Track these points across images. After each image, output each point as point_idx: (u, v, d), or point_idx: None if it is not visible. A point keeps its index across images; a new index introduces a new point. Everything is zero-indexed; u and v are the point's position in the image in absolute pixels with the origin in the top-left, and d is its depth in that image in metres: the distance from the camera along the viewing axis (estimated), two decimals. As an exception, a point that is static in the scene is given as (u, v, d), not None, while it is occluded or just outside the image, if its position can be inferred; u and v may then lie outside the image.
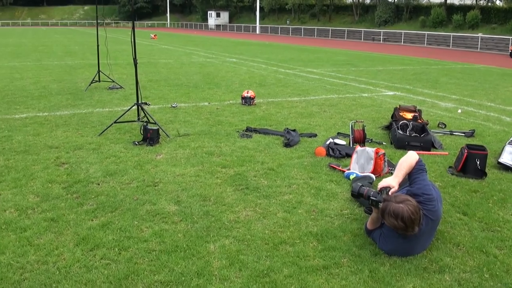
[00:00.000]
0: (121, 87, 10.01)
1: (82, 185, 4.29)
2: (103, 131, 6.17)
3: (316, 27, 50.70)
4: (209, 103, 8.46)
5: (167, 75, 12.35)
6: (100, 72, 10.23)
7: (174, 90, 9.91)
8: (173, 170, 4.73)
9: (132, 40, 6.13)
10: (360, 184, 3.27)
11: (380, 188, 3.12)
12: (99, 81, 10.21)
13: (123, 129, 6.33)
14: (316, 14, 59.11)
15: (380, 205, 2.95)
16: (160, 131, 5.87)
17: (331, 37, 45.83)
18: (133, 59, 6.16)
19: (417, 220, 2.82)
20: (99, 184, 4.32)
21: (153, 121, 6.13)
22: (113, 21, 77.35)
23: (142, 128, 5.72)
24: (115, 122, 6.27)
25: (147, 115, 6.22)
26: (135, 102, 6.36)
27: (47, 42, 28.14)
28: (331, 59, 19.70)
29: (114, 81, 10.20)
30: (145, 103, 8.18)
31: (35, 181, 4.37)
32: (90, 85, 9.99)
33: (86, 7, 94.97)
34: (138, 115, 6.35)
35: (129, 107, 6.76)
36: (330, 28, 48.31)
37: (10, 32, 46.73)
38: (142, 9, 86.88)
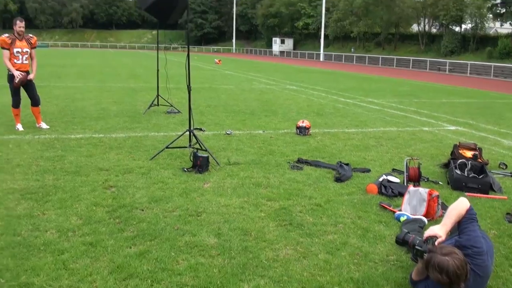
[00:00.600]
0: (178, 112, 10.26)
1: (126, 210, 4.36)
2: (155, 156, 6.30)
3: (380, 56, 50.01)
4: (263, 131, 8.47)
5: (226, 101, 12.55)
6: (159, 96, 10.55)
7: (231, 116, 10.02)
8: (218, 200, 4.71)
9: (187, 65, 6.28)
10: (406, 231, 3.08)
11: (426, 237, 2.91)
12: (158, 105, 10.53)
13: (175, 155, 6.44)
14: (381, 43, 58.45)
15: (425, 255, 2.75)
16: (211, 158, 5.90)
17: (396, 66, 44.98)
18: (187, 85, 6.30)
19: (463, 276, 2.59)
20: (143, 210, 4.37)
21: (204, 148, 6.18)
22: (180, 46, 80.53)
23: (192, 154, 5.78)
24: (166, 148, 6.40)
25: (199, 141, 6.30)
26: (187, 128, 6.45)
27: (113, 64, 29.69)
28: (394, 89, 19.25)
29: (172, 106, 10.48)
30: (200, 129, 8.33)
31: (80, 203, 4.49)
32: (148, 108, 10.33)
33: (154, 32, 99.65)
34: (190, 141, 6.43)
35: (181, 133, 6.86)
36: (395, 57, 47.46)
37: (79, 54, 49.79)
38: (209, 35, 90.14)
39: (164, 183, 5.19)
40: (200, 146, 6.28)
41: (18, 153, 6.35)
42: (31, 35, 7.96)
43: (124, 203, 4.53)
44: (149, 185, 5.11)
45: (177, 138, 6.68)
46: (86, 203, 4.49)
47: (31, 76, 7.85)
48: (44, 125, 8.16)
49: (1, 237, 3.68)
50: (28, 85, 7.87)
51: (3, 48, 7.58)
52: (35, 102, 8.01)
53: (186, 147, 6.36)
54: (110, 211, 4.31)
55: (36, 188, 4.91)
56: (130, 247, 3.56)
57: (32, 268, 3.15)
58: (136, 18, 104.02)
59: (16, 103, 7.88)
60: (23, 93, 7.92)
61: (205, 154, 5.79)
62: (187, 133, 6.57)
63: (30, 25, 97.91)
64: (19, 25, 7.58)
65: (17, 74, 7.56)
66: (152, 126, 8.67)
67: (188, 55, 6.32)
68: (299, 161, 6.27)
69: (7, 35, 7.67)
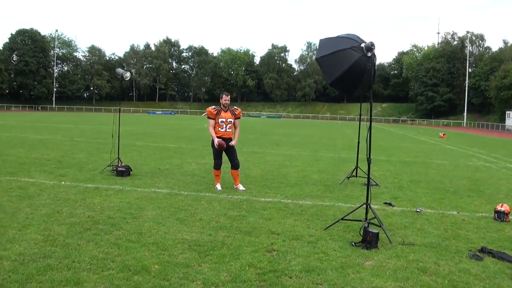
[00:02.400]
0: (376, 185, 10.06)
1: (275, 275, 4.43)
2: (329, 226, 6.28)
3: None
4: (458, 212, 7.61)
5: (432, 177, 11.77)
6: (358, 168, 10.56)
7: (430, 193, 9.33)
8: (372, 280, 4.40)
9: (368, 138, 6.19)
10: None
11: None
12: (356, 176, 10.53)
13: (351, 227, 6.31)
14: None
15: None
16: (384, 235, 5.59)
17: None
18: (367, 158, 6.19)
19: None
20: (290, 278, 4.38)
21: (379, 224, 5.90)
22: (408, 119, 79.61)
23: (362, 229, 5.58)
24: (341, 219, 6.33)
25: (376, 216, 6.05)
26: (364, 201, 6.28)
27: (333, 135, 30.94)
28: None
29: (370, 178, 10.33)
30: (390, 204, 7.99)
31: (237, 261, 4.76)
32: (347, 179, 10.41)
33: (384, 105, 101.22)
34: (366, 215, 6.22)
35: (358, 206, 6.71)
36: None
37: (306, 124, 53.39)
38: (439, 108, 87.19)
39: (325, 254, 5.11)
40: (379, 221, 6.01)
41: (206, 209, 7.13)
42: (236, 107, 9.08)
43: (277, 268, 4.62)
44: (310, 254, 5.10)
45: (353, 211, 6.55)
46: (242, 263, 4.73)
47: (233, 143, 8.86)
48: (241, 187, 8.98)
49: (152, 279, 4.15)
50: (229, 150, 8.87)
51: (209, 118, 8.80)
52: (234, 165, 8.93)
53: (361, 220, 6.15)
54: (260, 273, 4.45)
55: (205, 241, 5.41)
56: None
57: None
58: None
59: (216, 165, 8.94)
60: (224, 157, 8.93)
61: (375, 230, 5.51)
62: (373, 206, 6.36)
63: (266, 98, 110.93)
64: (225, 98, 8.78)
65: (216, 141, 8.62)
66: (342, 196, 8.68)
67: (370, 128, 6.24)
68: (482, 250, 5.42)
69: (213, 107, 8.93)
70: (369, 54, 5.91)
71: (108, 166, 10.72)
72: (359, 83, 6.13)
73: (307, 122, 69.53)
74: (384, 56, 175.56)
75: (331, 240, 5.69)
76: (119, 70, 10.75)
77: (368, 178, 6.29)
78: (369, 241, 5.43)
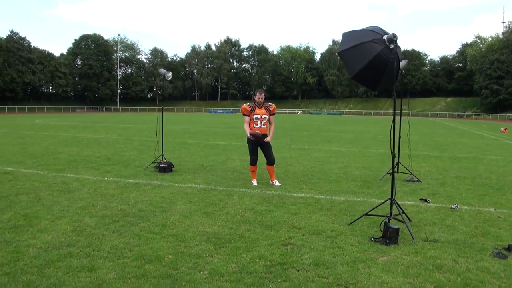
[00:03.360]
0: (418, 181, 9.82)
1: (283, 268, 4.51)
2: (353, 221, 6.25)
3: None
4: (495, 209, 7.29)
5: (480, 173, 11.26)
6: (400, 164, 10.36)
7: (472, 190, 8.97)
8: (380, 275, 4.36)
9: (392, 133, 6.09)
10: None
11: None
12: (397, 172, 10.32)
13: (377, 223, 6.21)
14: None
15: None
16: (407, 231, 5.50)
17: None
18: (391, 153, 6.10)
19: None
20: (298, 271, 4.43)
21: (402, 220, 5.81)
22: (473, 113, 76.22)
23: (383, 224, 5.52)
24: (366, 214, 6.27)
25: (400, 212, 5.96)
26: (389, 197, 6.19)
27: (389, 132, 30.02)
28: None
29: (412, 174, 10.12)
30: (425, 200, 7.81)
31: (248, 254, 4.88)
32: (387, 174, 10.24)
33: (448, 99, 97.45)
34: (391, 211, 6.12)
35: (382, 201, 6.62)
36: None
37: (366, 121, 52.35)
38: (505, 101, 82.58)
39: (341, 249, 5.11)
40: (403, 217, 5.92)
41: (235, 204, 7.29)
42: (270, 103, 9.15)
43: (287, 261, 4.69)
44: (325, 249, 5.12)
45: (378, 206, 6.49)
46: (253, 255, 4.84)
47: (268, 139, 8.95)
48: (276, 183, 9.08)
49: (162, 268, 4.37)
50: (264, 146, 8.98)
51: (244, 115, 8.96)
52: (270, 161, 9.04)
53: (385, 215, 6.06)
54: (268, 266, 4.54)
55: (224, 234, 5.58)
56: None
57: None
58: (430, 86, 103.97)
59: (252, 161, 9.08)
60: (261, 154, 9.08)
61: (396, 226, 5.43)
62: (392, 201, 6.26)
63: (327, 95, 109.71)
64: (259, 96, 8.91)
65: (249, 132, 8.78)
66: (379, 192, 8.55)
67: (393, 122, 6.13)
68: (509, 248, 5.18)
69: (248, 103, 9.05)
70: (392, 46, 5.81)
71: (152, 163, 11.15)
72: (382, 76, 6.03)
73: (368, 118, 68.24)
74: (447, 48, 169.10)
75: (352, 235, 5.66)
76: (162, 70, 11.16)
77: (392, 172, 6.18)
78: (389, 236, 5.36)
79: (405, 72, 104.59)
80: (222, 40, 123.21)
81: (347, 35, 6.16)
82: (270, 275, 4.30)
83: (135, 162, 12.20)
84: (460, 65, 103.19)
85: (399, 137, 10.50)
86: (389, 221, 5.53)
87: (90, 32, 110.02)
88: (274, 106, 9.22)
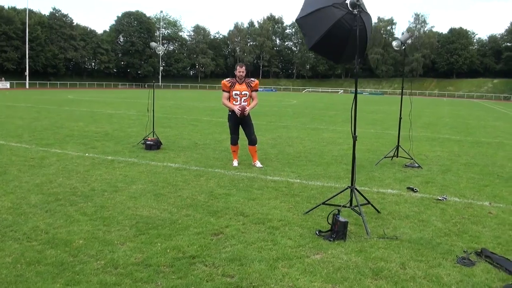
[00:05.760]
0: (419, 167, 9.00)
1: (191, 262, 4.00)
2: (310, 210, 5.64)
3: None
4: (490, 203, 6.43)
5: (495, 161, 10.16)
6: (399, 147, 9.55)
7: (475, 179, 8.06)
8: (296, 277, 3.75)
9: (353, 113, 5.38)
10: None
11: None
12: (397, 156, 9.53)
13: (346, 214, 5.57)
14: None
15: None
16: (357, 226, 4.84)
17: None
18: (352, 135, 5.40)
19: None
20: (205, 266, 3.90)
21: (359, 212, 5.14)
22: (510, 95, 72.37)
23: (331, 216, 4.87)
24: (323, 204, 5.62)
25: (358, 203, 5.27)
26: (348, 185, 5.51)
27: (421, 113, 28.62)
28: None
29: (412, 159, 9.30)
30: (412, 189, 7.05)
31: (166, 243, 4.42)
32: (384, 158, 9.48)
33: (495, 81, 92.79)
34: (351, 200, 5.45)
35: (340, 191, 5.95)
36: None
37: (405, 101, 50.25)
38: None
39: (273, 243, 4.52)
40: (360, 208, 5.24)
41: (196, 186, 6.81)
42: (253, 79, 8.47)
43: (201, 254, 4.17)
44: (255, 242, 4.54)
45: (336, 195, 5.83)
46: (169, 244, 4.36)
47: (247, 108, 8.29)
48: (258, 164, 8.50)
49: (62, 253, 3.98)
50: (246, 124, 8.39)
51: (223, 90, 8.36)
52: (251, 141, 8.45)
53: (342, 206, 5.39)
54: (176, 258, 4.05)
55: (156, 219, 5.13)
56: None
57: None
58: (477, 66, 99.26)
59: (233, 140, 8.52)
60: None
61: (345, 219, 4.76)
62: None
63: (372, 74, 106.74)
64: (239, 70, 8.25)
65: (237, 108, 8.17)
66: (364, 179, 7.81)
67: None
68: (481, 253, 4.40)
69: (228, 79, 8.44)
70: (355, 12, 5.07)
71: (143, 139, 10.78)
72: (344, 47, 5.31)
73: (408, 99, 65.67)
74: (495, 27, 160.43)
75: (299, 227, 5.05)
76: (153, 44, 10.70)
77: (354, 157, 5.48)
78: (336, 230, 4.72)
79: (440, 50, 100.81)
80: (265, 17, 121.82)
81: (307, 1, 5.44)
82: (169, 270, 3.79)
83: (129, 138, 11.89)
84: (509, 44, 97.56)
85: (400, 118, 9.67)
86: (338, 213, 4.86)
87: (133, 9, 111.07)
88: (256, 81, 8.55)
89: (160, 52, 10.82)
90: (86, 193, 6.17)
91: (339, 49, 5.35)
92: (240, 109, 8.18)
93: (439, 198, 6.57)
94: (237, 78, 8.35)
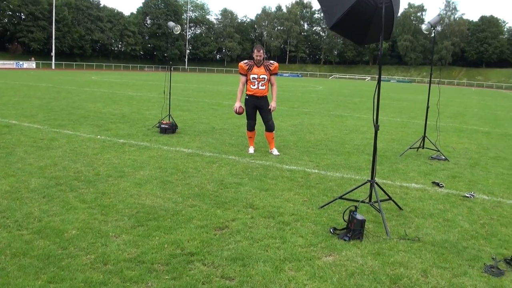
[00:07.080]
0: (445, 159, 8.43)
1: (187, 260, 3.61)
2: (325, 205, 5.19)
3: None
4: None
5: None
6: (426, 138, 8.99)
7: (505, 175, 7.44)
8: (305, 284, 3.33)
9: (375, 100, 4.88)
10: None
11: None
12: (422, 148, 8.97)
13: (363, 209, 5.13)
14: None
15: None
16: (376, 225, 4.39)
17: None
18: (374, 124, 4.90)
19: None
20: (204, 266, 3.52)
21: (378, 209, 4.68)
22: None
23: (348, 213, 4.42)
24: (339, 198, 5.16)
25: (378, 199, 4.79)
26: (368, 178, 5.04)
27: (449, 103, 27.63)
28: None
29: (439, 151, 8.72)
30: (438, 184, 6.53)
31: (165, 237, 4.06)
32: (409, 149, 8.94)
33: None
34: (370, 195, 4.98)
35: (360, 184, 5.45)
36: None
37: (433, 90, 48.91)
38: None
39: (282, 241, 4.10)
40: (380, 205, 4.78)
41: (207, 173, 6.45)
42: (271, 61, 7.99)
43: (202, 251, 3.78)
44: (263, 238, 4.13)
45: (354, 189, 5.35)
46: (168, 239, 3.98)
47: (272, 104, 7.90)
48: (275, 152, 8.08)
49: (51, 244, 3.65)
50: (264, 110, 7.95)
51: (240, 73, 7.92)
52: (268, 127, 8.01)
53: (361, 201, 4.93)
54: (173, 255, 3.66)
55: (159, 209, 4.79)
56: None
57: None
58: (508, 56, 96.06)
59: (250, 126, 8.10)
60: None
61: (362, 217, 4.30)
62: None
63: (400, 62, 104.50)
64: (257, 54, 7.79)
65: (237, 106, 7.90)
66: (387, 171, 7.31)
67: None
68: (511, 260, 3.90)
69: (245, 61, 7.99)
70: (382, -13, 4.56)
71: (157, 123, 10.46)
72: (368, 27, 4.80)
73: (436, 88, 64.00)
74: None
75: (312, 223, 4.62)
76: (171, 23, 10.31)
77: (375, 149, 4.98)
78: (352, 229, 4.27)
79: (470, 38, 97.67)
80: (294, 1, 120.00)
81: (329, -25, 4.93)
82: (163, 268, 3.42)
83: (146, 121, 11.58)
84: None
85: (427, 107, 9.09)
86: (356, 210, 4.41)
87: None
88: (276, 64, 8.05)
89: (177, 33, 10.41)
90: (90, 178, 5.85)
91: (362, 29, 4.85)
92: (237, 111, 7.97)
93: (466, 195, 6.04)
94: (255, 61, 7.89)
